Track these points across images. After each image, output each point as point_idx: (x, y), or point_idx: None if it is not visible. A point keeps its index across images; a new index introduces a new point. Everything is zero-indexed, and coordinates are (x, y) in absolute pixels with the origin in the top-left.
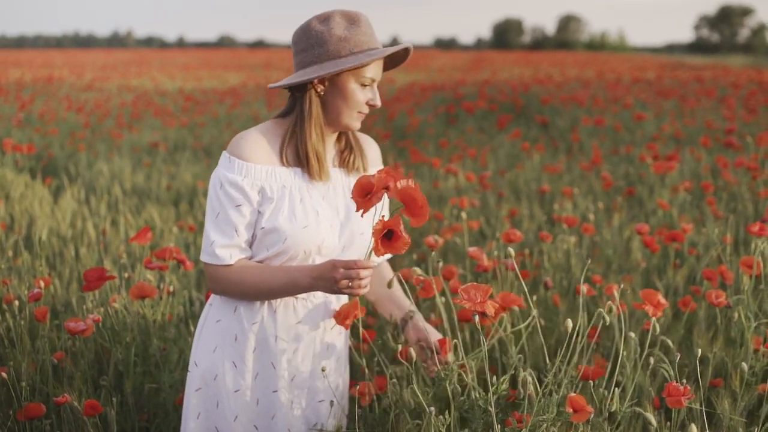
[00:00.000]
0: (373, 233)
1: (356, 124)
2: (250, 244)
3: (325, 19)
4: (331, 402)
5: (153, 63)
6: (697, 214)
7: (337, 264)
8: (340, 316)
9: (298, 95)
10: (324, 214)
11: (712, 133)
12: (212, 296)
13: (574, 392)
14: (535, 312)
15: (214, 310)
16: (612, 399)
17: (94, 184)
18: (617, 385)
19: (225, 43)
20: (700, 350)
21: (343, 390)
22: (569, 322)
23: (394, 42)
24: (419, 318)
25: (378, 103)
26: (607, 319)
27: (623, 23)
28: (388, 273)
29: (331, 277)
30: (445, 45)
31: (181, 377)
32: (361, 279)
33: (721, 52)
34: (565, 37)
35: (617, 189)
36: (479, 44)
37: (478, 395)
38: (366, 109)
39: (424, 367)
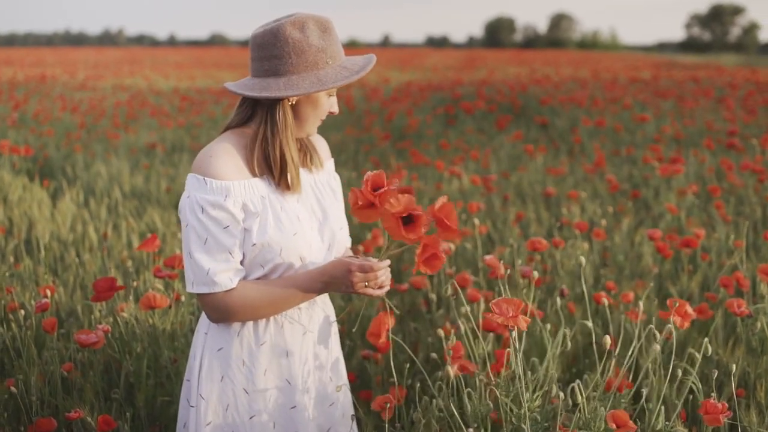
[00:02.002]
0: (417, 255)
1: (315, 130)
2: (242, 263)
3: (300, 25)
4: (353, 416)
5: (145, 61)
6: (705, 218)
7: (352, 267)
8: (372, 335)
9: (266, 104)
10: (304, 218)
11: (712, 135)
12: (205, 325)
13: (601, 405)
14: (566, 331)
15: (212, 339)
16: (657, 417)
17: (93, 186)
18: (639, 395)
19: (216, 41)
20: (730, 362)
21: (348, 390)
22: (607, 339)
23: (386, 41)
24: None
25: (336, 110)
26: (658, 335)
27: (614, 22)
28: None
29: (347, 280)
30: (437, 43)
31: None
32: (377, 279)
33: (713, 51)
34: (557, 35)
35: (622, 192)
36: (471, 43)
37: (510, 411)
38: (325, 116)
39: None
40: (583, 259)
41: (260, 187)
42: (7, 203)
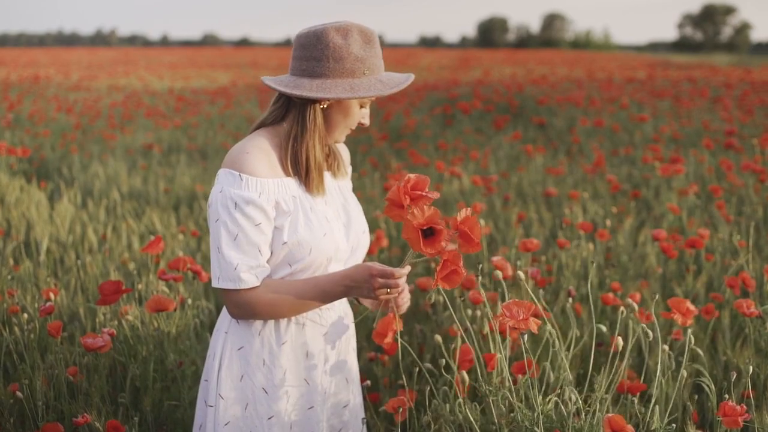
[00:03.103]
0: (436, 271)
1: (343, 138)
2: (268, 262)
3: (344, 33)
4: (363, 419)
5: (139, 62)
6: (706, 218)
7: (374, 272)
8: (379, 335)
9: (299, 104)
10: (332, 219)
11: (710, 135)
12: (226, 324)
13: (610, 408)
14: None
15: (233, 338)
16: (652, 416)
17: (91, 187)
18: (649, 398)
19: (209, 41)
20: (738, 362)
21: (360, 393)
22: (620, 341)
23: (379, 41)
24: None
25: (367, 122)
26: (650, 334)
27: (607, 21)
28: None
29: (368, 285)
30: (430, 43)
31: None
32: (398, 287)
33: (705, 51)
34: (549, 35)
35: (622, 192)
36: (464, 43)
37: (523, 414)
38: (355, 126)
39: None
40: (591, 263)
41: (292, 186)
42: (5, 205)
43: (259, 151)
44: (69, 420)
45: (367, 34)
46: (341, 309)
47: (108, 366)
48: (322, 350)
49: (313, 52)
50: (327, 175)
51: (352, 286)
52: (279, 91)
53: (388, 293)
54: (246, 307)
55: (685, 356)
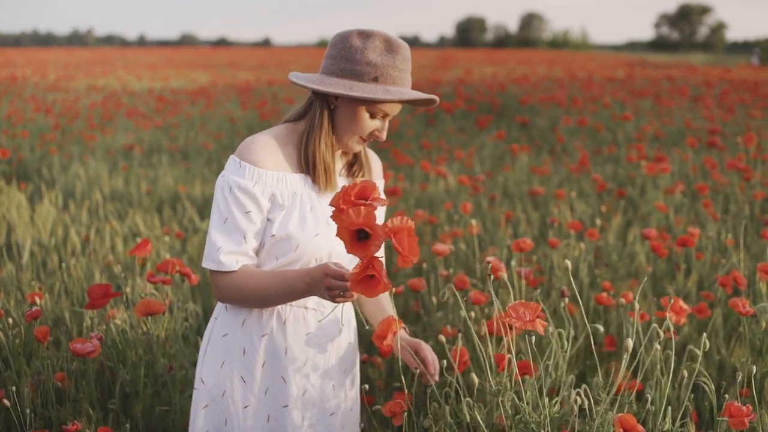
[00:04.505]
0: (352, 272)
1: (356, 147)
2: (257, 252)
3: (366, 36)
4: (362, 427)
5: (117, 62)
6: (692, 216)
7: (328, 272)
8: (378, 338)
9: (315, 100)
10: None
11: (692, 133)
12: (218, 310)
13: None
14: (572, 332)
15: (220, 324)
16: (665, 418)
17: (72, 189)
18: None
19: (187, 41)
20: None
21: (355, 404)
22: (630, 342)
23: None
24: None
25: (383, 137)
26: (662, 334)
27: (584, 21)
28: None
29: (323, 285)
30: (409, 43)
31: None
32: (348, 290)
33: (681, 50)
34: (527, 35)
35: (608, 191)
36: (442, 42)
37: (530, 416)
38: (369, 138)
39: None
40: (568, 263)
41: (295, 183)
42: None
43: (267, 143)
44: (57, 427)
45: (392, 43)
46: (329, 310)
47: (95, 371)
48: (303, 351)
49: (333, 50)
50: (347, 181)
51: (312, 284)
52: (293, 81)
53: (341, 296)
54: (224, 291)
55: (684, 355)
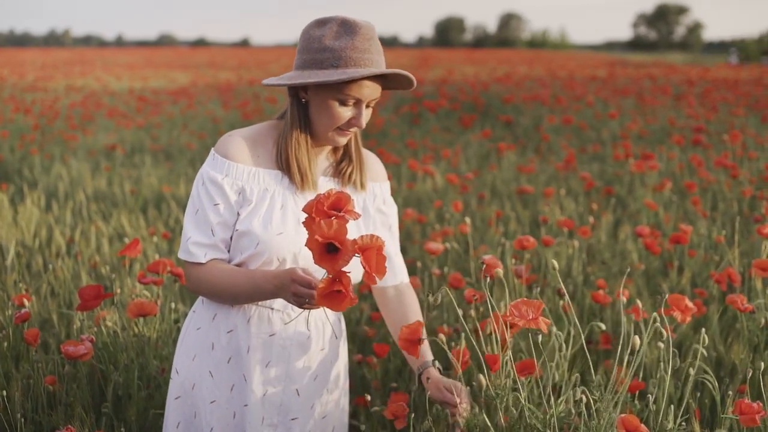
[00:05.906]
0: (318, 287)
1: (339, 140)
2: (229, 246)
3: (323, 23)
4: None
5: (95, 62)
6: (681, 214)
7: (294, 278)
8: (407, 342)
9: (290, 99)
10: None
11: (677, 132)
12: (196, 303)
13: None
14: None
15: (196, 317)
16: (667, 416)
17: (54, 189)
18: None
19: (165, 41)
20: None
21: (333, 412)
22: (637, 339)
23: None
24: (434, 370)
25: (360, 123)
26: (664, 333)
27: (563, 21)
28: (406, 292)
29: (289, 290)
30: (388, 43)
31: None
32: (314, 298)
33: (659, 50)
34: (506, 35)
35: (596, 189)
36: (421, 42)
37: (533, 416)
38: (347, 127)
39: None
40: (555, 263)
41: (268, 179)
42: None
43: (242, 138)
44: None
45: (349, 25)
46: (297, 313)
47: (87, 374)
48: (266, 352)
49: (299, 45)
50: (332, 182)
51: (279, 287)
52: (265, 84)
53: (308, 303)
54: (194, 282)
55: (689, 353)
